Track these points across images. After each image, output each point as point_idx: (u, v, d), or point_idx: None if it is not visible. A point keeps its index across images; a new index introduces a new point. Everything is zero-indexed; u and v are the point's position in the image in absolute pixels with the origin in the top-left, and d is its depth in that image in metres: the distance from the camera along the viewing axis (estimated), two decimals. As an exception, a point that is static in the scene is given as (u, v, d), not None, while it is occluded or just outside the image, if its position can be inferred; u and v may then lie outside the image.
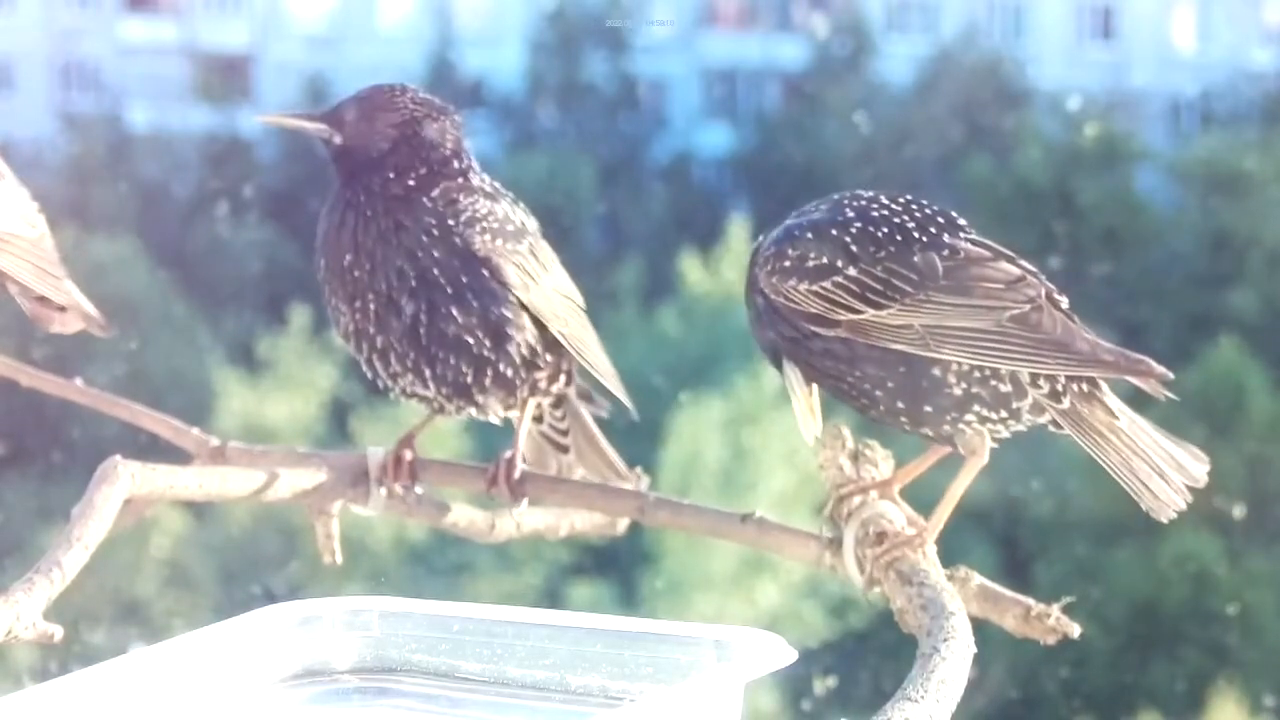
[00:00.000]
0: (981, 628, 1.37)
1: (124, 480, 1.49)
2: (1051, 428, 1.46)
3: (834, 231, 1.45)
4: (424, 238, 1.63)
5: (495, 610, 1.28)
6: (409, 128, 1.67)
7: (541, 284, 1.67)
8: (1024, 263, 1.46)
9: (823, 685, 4.95)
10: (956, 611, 1.35)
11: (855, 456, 1.56)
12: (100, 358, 5.06)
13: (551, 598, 6.49)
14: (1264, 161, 8.62)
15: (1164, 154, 9.30)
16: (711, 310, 8.12)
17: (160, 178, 9.02)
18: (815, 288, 1.43)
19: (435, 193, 1.65)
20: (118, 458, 1.50)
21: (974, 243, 1.46)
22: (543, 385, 1.70)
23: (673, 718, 1.14)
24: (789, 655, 1.18)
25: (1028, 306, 1.43)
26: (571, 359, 1.72)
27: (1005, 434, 1.47)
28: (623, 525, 1.76)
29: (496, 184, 1.71)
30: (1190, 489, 1.49)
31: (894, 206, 1.46)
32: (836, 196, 1.49)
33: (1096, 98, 9.23)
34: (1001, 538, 7.00)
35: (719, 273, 8.07)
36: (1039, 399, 1.44)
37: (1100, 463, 1.45)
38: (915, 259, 1.43)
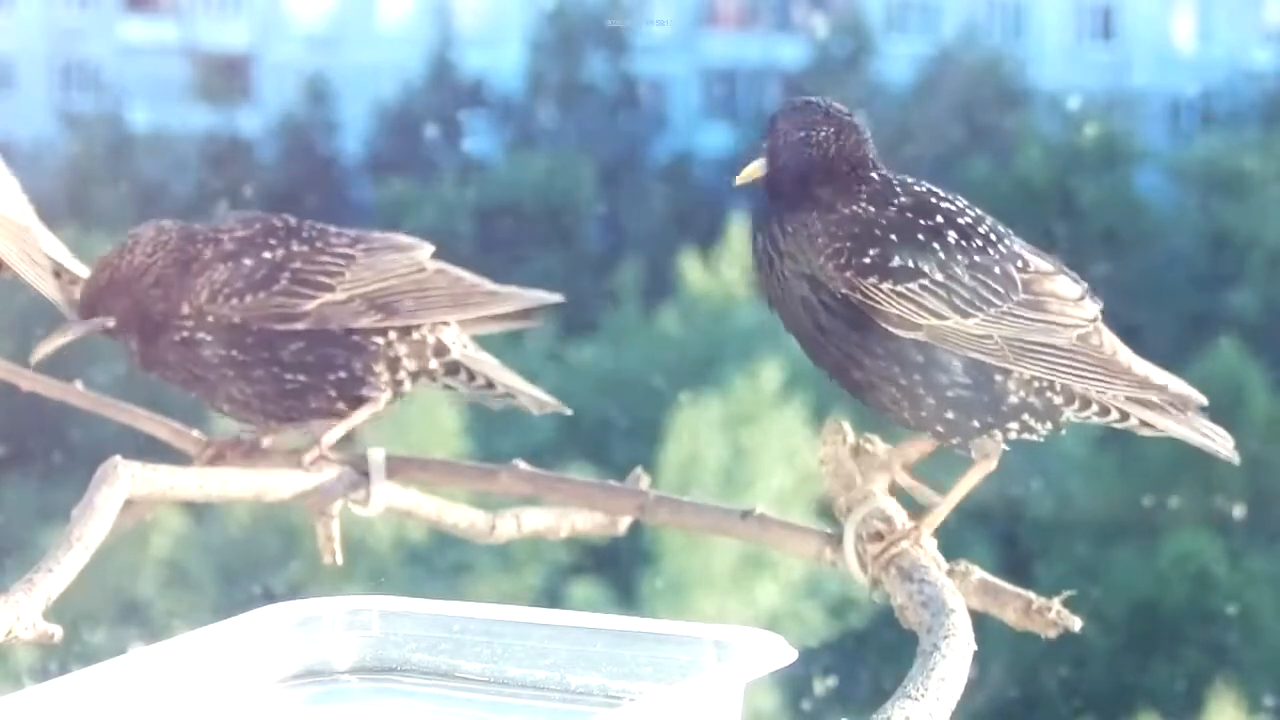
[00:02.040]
0: (982, 627, 1.37)
1: (124, 481, 1.49)
2: (1095, 418, 1.46)
3: (920, 236, 1.42)
4: (193, 340, 1.64)
5: (495, 610, 1.28)
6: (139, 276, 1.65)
7: (327, 295, 1.65)
8: (1077, 277, 1.46)
9: (823, 685, 4.95)
10: (957, 608, 1.34)
11: (856, 451, 1.56)
12: (101, 358, 5.05)
13: (551, 598, 6.49)
14: (1264, 161, 8.62)
15: (1164, 154, 9.29)
16: (711, 310, 8.11)
17: (160, 178, 9.01)
18: (900, 289, 1.41)
19: (186, 305, 1.64)
20: (118, 458, 1.50)
21: (1035, 254, 1.45)
22: (398, 377, 1.69)
23: (673, 718, 1.14)
24: (789, 655, 1.18)
25: (1090, 326, 1.43)
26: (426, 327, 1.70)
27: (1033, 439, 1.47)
28: (624, 525, 1.76)
29: (244, 219, 1.69)
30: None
31: (974, 213, 1.44)
32: (918, 189, 1.44)
33: (1096, 98, 9.22)
34: (1002, 537, 6.99)
35: (719, 273, 8.07)
36: (1086, 393, 1.44)
37: (1171, 433, 1.46)
38: (997, 270, 1.41)
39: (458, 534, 1.74)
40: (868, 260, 1.41)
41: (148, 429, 1.75)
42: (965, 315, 1.40)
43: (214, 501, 1.65)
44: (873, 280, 1.40)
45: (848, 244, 1.42)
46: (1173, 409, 1.46)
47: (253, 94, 9.87)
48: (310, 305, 1.64)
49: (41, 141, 9.16)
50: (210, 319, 1.64)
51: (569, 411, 1.75)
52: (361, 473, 1.68)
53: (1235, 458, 1.50)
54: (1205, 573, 6.84)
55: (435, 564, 6.63)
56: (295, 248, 1.67)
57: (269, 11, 10.00)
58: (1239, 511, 6.52)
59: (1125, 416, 1.46)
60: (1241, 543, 6.91)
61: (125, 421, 1.77)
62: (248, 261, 1.65)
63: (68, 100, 9.64)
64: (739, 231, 7.90)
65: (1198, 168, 9.02)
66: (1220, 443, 1.49)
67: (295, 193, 8.77)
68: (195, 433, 1.75)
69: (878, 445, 1.56)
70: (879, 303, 1.40)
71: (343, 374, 1.66)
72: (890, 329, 1.40)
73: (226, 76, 9.83)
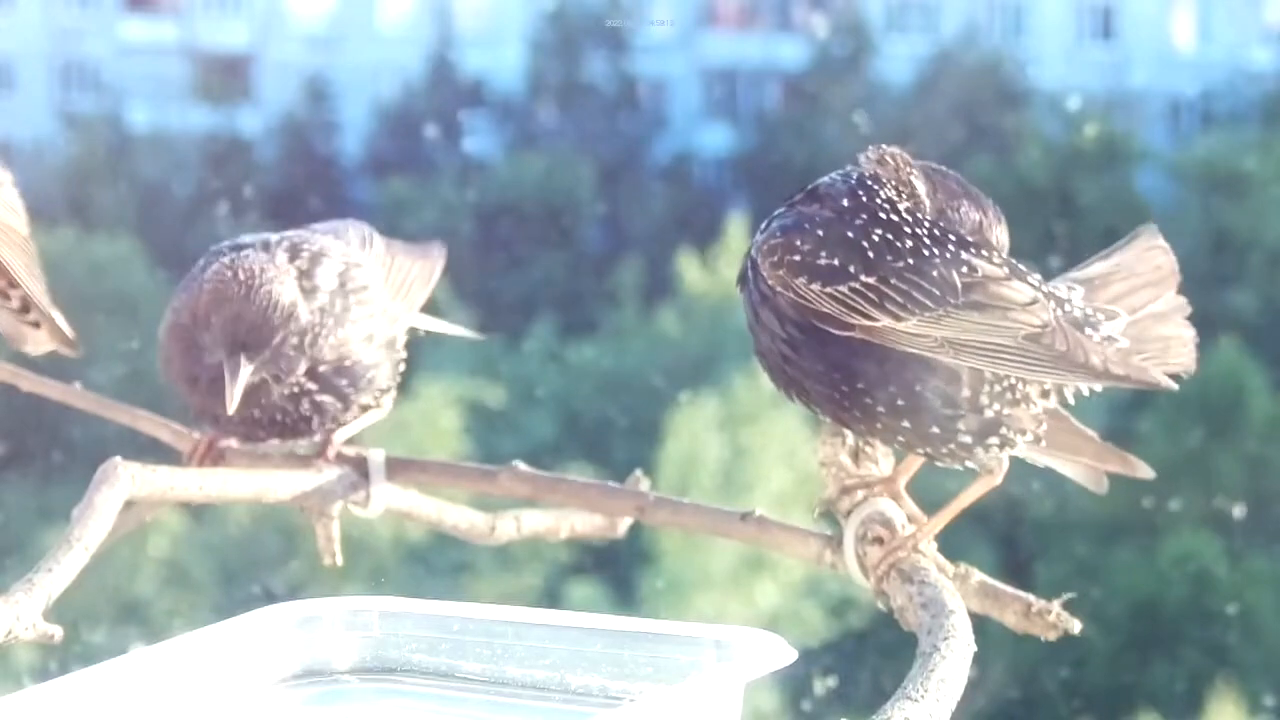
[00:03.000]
0: (982, 627, 1.37)
1: (124, 482, 1.49)
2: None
3: (849, 234, 1.41)
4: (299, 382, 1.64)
5: (495, 610, 1.28)
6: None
7: (376, 293, 1.68)
8: (1035, 279, 1.45)
9: (823, 685, 4.95)
10: (957, 609, 1.35)
11: (855, 453, 1.56)
12: (101, 358, 5.06)
13: (551, 598, 6.49)
14: (1264, 161, 8.62)
15: (1164, 154, 9.29)
16: (711, 310, 8.12)
17: (160, 178, 9.02)
18: (829, 290, 1.41)
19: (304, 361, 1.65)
20: (118, 459, 1.50)
21: (991, 259, 1.44)
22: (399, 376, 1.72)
23: (673, 718, 1.14)
24: (789, 655, 1.18)
25: (1040, 328, 1.42)
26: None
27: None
28: (623, 528, 1.76)
29: (300, 242, 1.67)
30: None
31: (915, 215, 1.43)
32: (854, 185, 1.44)
33: (1096, 98, 9.23)
34: (1001, 538, 6.99)
35: (718, 272, 8.07)
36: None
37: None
38: (935, 274, 1.41)
39: (458, 535, 1.74)
40: (797, 258, 1.41)
41: (148, 430, 1.75)
42: (897, 319, 1.40)
43: (214, 502, 1.65)
44: (802, 280, 1.41)
45: (780, 240, 1.42)
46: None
47: (253, 94, 9.87)
48: (366, 312, 1.66)
49: (41, 141, 9.17)
50: (322, 368, 1.65)
51: (479, 336, 1.75)
52: (361, 474, 1.68)
53: (1100, 487, 1.54)
54: (1205, 573, 6.84)
55: (435, 564, 6.63)
56: (329, 266, 1.67)
57: (269, 11, 10.00)
58: (1239, 511, 6.53)
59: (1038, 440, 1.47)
60: (1241, 543, 6.91)
61: (126, 423, 1.77)
62: (321, 300, 1.65)
63: (68, 100, 9.64)
64: (738, 231, 7.90)
65: (1198, 168, 9.02)
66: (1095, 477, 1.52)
67: (295, 193, 8.77)
68: (195, 434, 1.75)
69: (877, 448, 1.56)
70: (810, 303, 1.40)
71: (378, 385, 1.68)
72: (824, 328, 1.40)
73: (226, 76, 9.83)
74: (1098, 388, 1.47)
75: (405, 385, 1.75)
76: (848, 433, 1.56)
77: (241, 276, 1.61)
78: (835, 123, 8.85)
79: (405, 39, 9.74)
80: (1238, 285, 8.15)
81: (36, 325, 1.75)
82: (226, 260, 1.63)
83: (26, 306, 1.73)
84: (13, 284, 1.71)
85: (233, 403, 1.59)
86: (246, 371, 1.60)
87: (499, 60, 9.65)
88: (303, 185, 9.00)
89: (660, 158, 9.71)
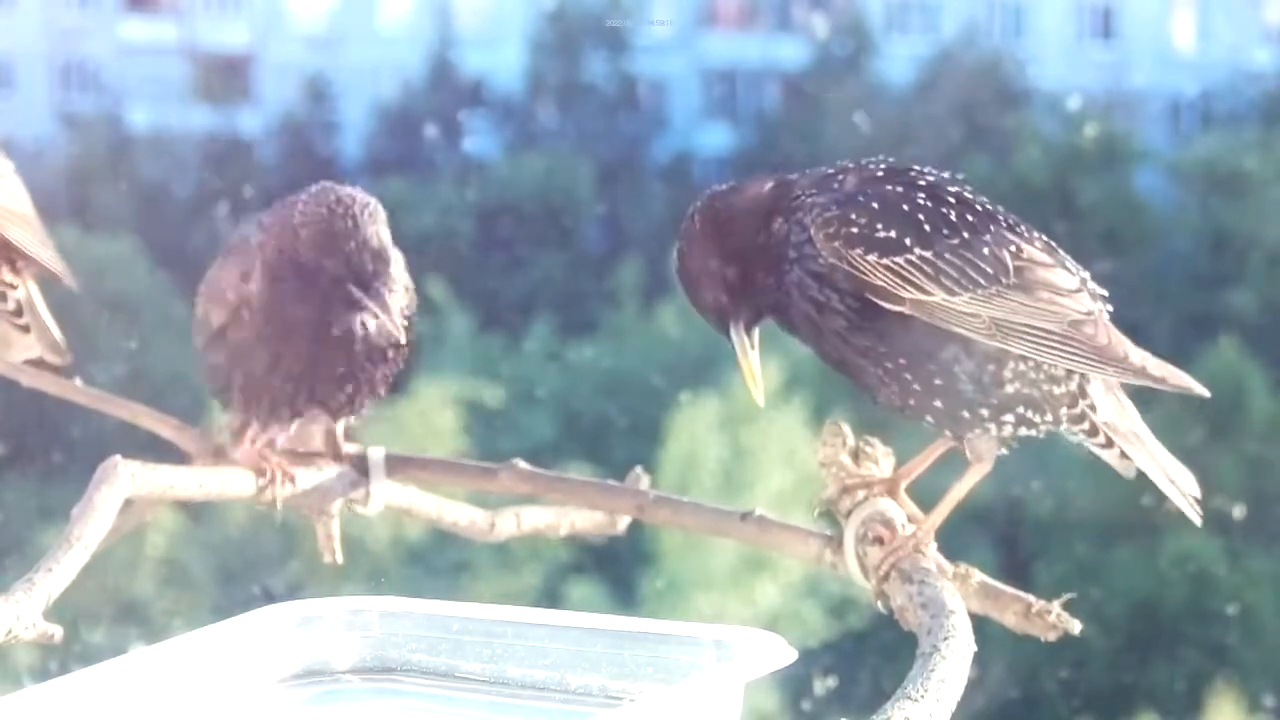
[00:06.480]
0: (982, 627, 1.37)
1: (124, 480, 1.49)
2: (1083, 435, 1.46)
3: (905, 207, 1.43)
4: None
5: (495, 610, 1.28)
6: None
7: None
8: (1079, 270, 1.46)
9: (823, 685, 4.96)
10: (957, 610, 1.35)
11: (855, 454, 1.56)
12: (101, 358, 5.06)
13: (551, 597, 6.49)
14: (1264, 161, 8.62)
15: (1164, 154, 9.29)
16: (711, 310, 8.10)
17: (160, 178, 9.02)
18: (886, 261, 1.41)
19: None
20: (118, 458, 1.50)
21: (1036, 245, 1.45)
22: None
23: (673, 718, 1.14)
24: (789, 655, 1.18)
25: (1084, 317, 1.43)
26: None
27: (1024, 437, 1.47)
28: (623, 524, 1.75)
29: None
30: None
31: (965, 194, 1.45)
32: (898, 168, 1.46)
33: (1096, 98, 9.23)
34: (1002, 538, 6.99)
35: (718, 272, 8.06)
36: (1084, 408, 1.45)
37: (1144, 468, 1.47)
38: (987, 252, 1.42)
39: (457, 532, 1.74)
40: (855, 231, 1.42)
41: (148, 425, 1.75)
42: (951, 293, 1.41)
43: (214, 501, 1.65)
44: (858, 251, 1.41)
45: (835, 213, 1.43)
46: (1151, 448, 1.48)
47: (253, 94, 9.87)
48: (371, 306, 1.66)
49: (41, 141, 9.17)
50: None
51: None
52: (361, 472, 1.68)
53: (1196, 516, 1.51)
54: (1205, 573, 6.84)
55: (435, 563, 6.63)
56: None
57: (269, 11, 10.00)
58: (1239, 511, 6.53)
59: (1110, 443, 1.47)
60: (1241, 543, 6.91)
61: (125, 418, 1.77)
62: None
63: (68, 100, 9.64)
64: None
65: (1198, 168, 9.02)
66: (1185, 492, 1.50)
67: (295, 193, 8.76)
68: (196, 429, 1.75)
69: (877, 448, 1.56)
70: (865, 274, 1.41)
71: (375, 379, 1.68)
72: (876, 301, 1.41)
73: (226, 76, 9.83)
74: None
75: (404, 385, 1.75)
76: (848, 432, 1.56)
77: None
78: (835, 123, 8.85)
79: (405, 39, 9.74)
80: (1238, 285, 8.15)
81: (26, 330, 1.75)
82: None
83: (20, 310, 1.73)
84: (10, 285, 1.71)
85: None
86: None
87: (499, 60, 9.65)
88: (303, 185, 8.97)
89: (660, 158, 9.71)
